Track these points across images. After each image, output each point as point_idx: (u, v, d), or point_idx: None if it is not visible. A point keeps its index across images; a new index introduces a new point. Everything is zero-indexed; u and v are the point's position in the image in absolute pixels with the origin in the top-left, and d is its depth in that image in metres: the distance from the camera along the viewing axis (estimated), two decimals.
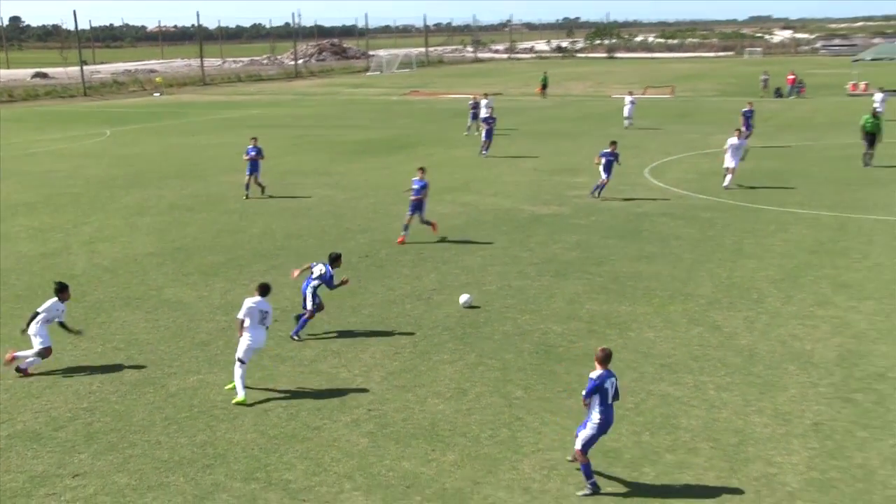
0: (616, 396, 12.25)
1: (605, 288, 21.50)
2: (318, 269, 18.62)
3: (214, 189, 35.49)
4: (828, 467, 12.83)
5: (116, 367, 17.07)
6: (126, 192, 35.26)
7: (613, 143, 32.51)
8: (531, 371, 16.57)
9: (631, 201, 31.64)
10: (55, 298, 17.04)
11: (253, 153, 32.74)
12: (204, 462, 13.30)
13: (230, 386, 15.73)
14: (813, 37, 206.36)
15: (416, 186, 26.20)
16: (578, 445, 12.16)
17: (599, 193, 32.14)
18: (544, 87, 78.65)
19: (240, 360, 15.56)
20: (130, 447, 13.80)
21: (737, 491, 12.27)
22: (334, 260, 18.95)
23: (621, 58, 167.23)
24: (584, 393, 12.13)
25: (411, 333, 18.68)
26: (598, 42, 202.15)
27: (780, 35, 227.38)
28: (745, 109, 45.13)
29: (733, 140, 33.27)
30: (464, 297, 20.40)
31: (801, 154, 42.29)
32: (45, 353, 16.82)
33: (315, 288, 18.54)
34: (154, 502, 12.21)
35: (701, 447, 13.50)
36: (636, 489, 12.40)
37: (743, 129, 38.09)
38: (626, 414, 14.57)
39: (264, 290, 16.00)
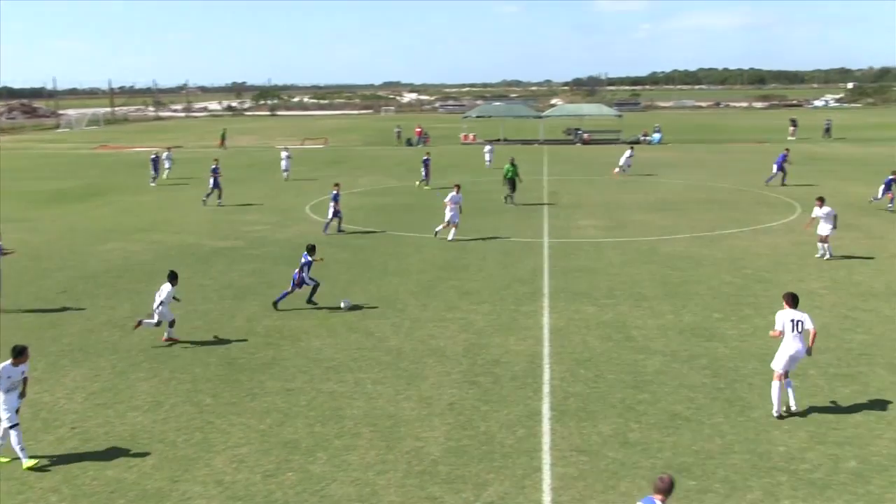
0: None
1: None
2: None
3: None
4: (461, 437, 13.45)
5: None
6: None
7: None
8: (218, 381, 16.14)
9: (297, 234, 31.67)
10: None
11: None
12: None
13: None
14: (433, 98, 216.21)
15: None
16: None
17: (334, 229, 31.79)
18: (223, 140, 77.04)
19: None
20: None
21: (393, 463, 12.57)
22: (310, 249, 21.24)
23: (282, 115, 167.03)
24: None
25: (110, 357, 17.64)
26: (262, 102, 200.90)
27: (409, 97, 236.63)
28: (424, 159, 46.60)
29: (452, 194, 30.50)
30: (344, 302, 21.13)
31: (430, 191, 44.13)
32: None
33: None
34: None
35: (363, 431, 13.71)
36: (308, 476, 12.38)
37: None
38: (300, 411, 14.55)
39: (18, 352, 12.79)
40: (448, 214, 29.99)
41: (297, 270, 21.22)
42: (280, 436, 13.53)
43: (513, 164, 39.72)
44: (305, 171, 53.81)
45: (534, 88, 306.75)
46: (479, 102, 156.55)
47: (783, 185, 44.29)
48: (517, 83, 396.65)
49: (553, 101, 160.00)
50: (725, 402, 14.73)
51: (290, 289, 21.19)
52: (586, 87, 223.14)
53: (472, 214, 35.77)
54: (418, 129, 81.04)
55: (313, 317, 20.33)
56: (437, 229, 30.07)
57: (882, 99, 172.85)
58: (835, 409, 14.43)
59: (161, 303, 18.33)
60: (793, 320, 14.08)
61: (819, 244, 26.22)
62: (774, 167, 45.57)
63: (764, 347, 17.57)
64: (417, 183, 46.09)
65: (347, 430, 13.80)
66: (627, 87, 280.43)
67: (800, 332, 14.02)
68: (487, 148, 58.03)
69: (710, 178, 48.77)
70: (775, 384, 14.10)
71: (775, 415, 14.04)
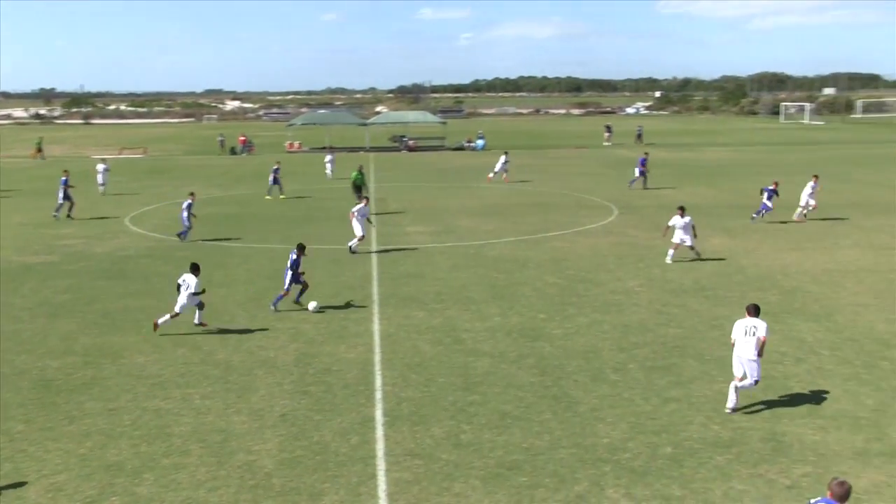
0: None
1: (97, 323, 20.42)
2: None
3: None
4: (294, 447, 13.29)
5: None
6: None
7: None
8: (31, 405, 15.23)
9: (117, 247, 30.38)
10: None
11: None
12: None
13: None
14: (257, 106, 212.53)
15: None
16: None
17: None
18: (39, 149, 72.66)
19: None
20: None
21: (225, 479, 12.27)
22: (301, 248, 21.91)
23: (97, 123, 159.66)
24: None
25: None
26: (74, 109, 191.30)
27: (231, 104, 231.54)
28: (274, 167, 45.12)
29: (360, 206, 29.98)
30: (312, 305, 21.38)
31: (255, 200, 43.40)
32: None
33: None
34: None
35: (192, 448, 13.31)
36: (134, 499, 11.90)
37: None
38: (124, 430, 13.97)
39: None
40: (356, 227, 29.19)
41: (288, 269, 21.48)
42: (103, 459, 12.94)
43: (360, 172, 39.67)
44: (124, 183, 51.68)
45: (359, 96, 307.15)
46: (303, 110, 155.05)
47: (645, 188, 46.21)
48: (342, 91, 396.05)
49: (378, 109, 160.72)
50: (553, 400, 15.23)
51: (284, 290, 21.49)
52: (411, 95, 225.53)
53: (302, 222, 35.48)
54: (242, 138, 79.43)
55: (137, 333, 19.56)
56: (350, 244, 29.07)
57: (685, 107, 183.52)
58: (652, 399, 15.19)
59: (192, 294, 19.32)
60: (746, 326, 14.65)
61: (670, 250, 26.76)
62: (636, 171, 47.36)
63: (587, 345, 18.33)
64: (268, 196, 44.64)
65: (175, 447, 13.36)
66: (451, 95, 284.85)
67: (752, 336, 14.53)
68: (328, 157, 55.47)
69: (532, 182, 50.32)
70: (732, 384, 14.64)
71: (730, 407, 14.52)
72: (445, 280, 24.69)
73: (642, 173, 46.87)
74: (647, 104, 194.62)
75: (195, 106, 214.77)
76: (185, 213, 31.46)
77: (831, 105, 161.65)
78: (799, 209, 34.41)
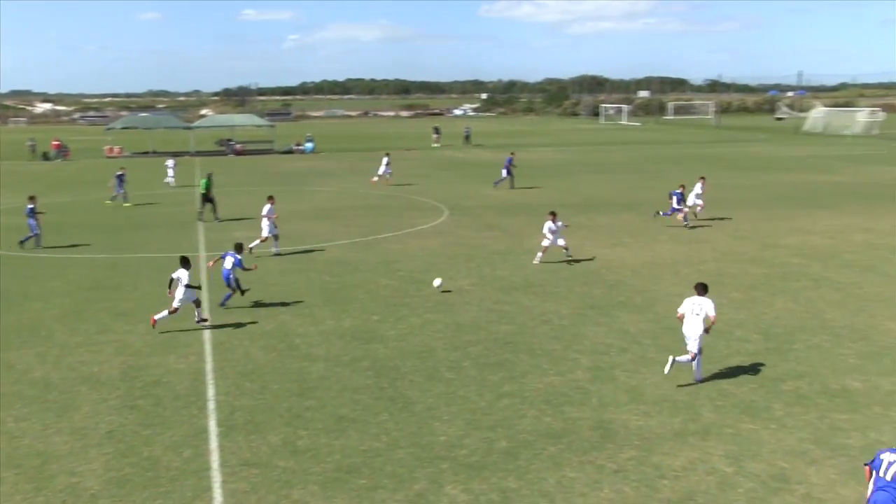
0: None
1: None
2: (229, 259, 20.97)
3: None
4: (122, 465, 12.78)
5: None
6: None
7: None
8: None
9: None
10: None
11: None
12: None
13: None
14: (71, 109, 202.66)
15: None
16: None
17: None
18: None
19: None
20: None
21: None
22: (238, 248, 21.93)
23: None
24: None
25: None
26: None
27: (42, 107, 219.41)
28: (119, 173, 43.05)
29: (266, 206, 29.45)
30: (437, 282, 22.71)
31: (74, 207, 41.41)
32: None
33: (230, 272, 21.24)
34: None
35: (5, 476, 12.51)
36: None
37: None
38: None
39: None
40: (265, 229, 29.12)
41: (227, 269, 21.32)
42: None
43: (209, 179, 37.97)
44: None
45: (182, 99, 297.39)
46: (123, 113, 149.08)
47: (511, 188, 46.98)
48: (164, 93, 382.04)
49: (203, 112, 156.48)
50: (389, 401, 15.31)
51: (230, 292, 21.66)
52: (237, 98, 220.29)
53: (123, 230, 34.13)
54: (56, 142, 75.56)
55: None
56: (251, 246, 28.36)
57: (511, 109, 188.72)
58: (487, 395, 15.54)
59: (187, 286, 19.48)
60: (693, 305, 15.92)
61: (539, 253, 26.89)
62: (503, 171, 47.95)
63: (421, 345, 18.53)
64: (108, 201, 42.49)
65: None
66: (279, 98, 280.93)
67: (698, 315, 15.79)
68: (170, 163, 52.47)
69: (363, 185, 50.37)
70: (686, 357, 15.91)
71: (672, 361, 15.72)
72: (277, 285, 24.36)
73: (509, 173, 47.69)
74: (474, 106, 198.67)
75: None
76: (31, 219, 29.95)
77: (646, 107, 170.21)
78: (686, 209, 34.00)
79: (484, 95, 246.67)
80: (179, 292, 19.56)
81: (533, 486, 11.99)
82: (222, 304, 21.58)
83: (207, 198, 37.20)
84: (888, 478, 9.48)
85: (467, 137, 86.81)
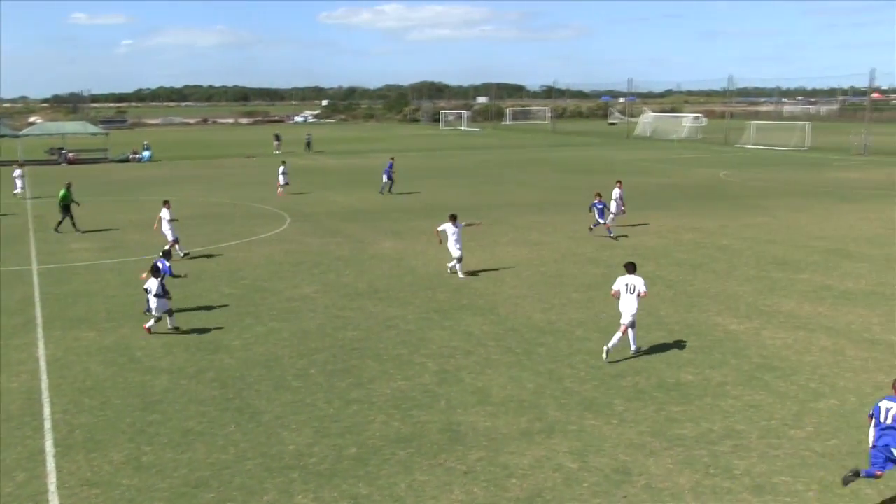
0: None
1: None
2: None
3: None
4: None
5: None
6: None
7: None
8: None
9: None
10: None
11: None
12: None
13: None
14: None
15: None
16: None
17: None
18: None
19: None
20: None
21: None
22: (166, 255, 21.29)
23: None
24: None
25: None
26: None
27: None
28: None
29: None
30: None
31: None
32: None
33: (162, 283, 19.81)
34: None
35: None
36: None
37: None
38: None
39: None
40: (169, 234, 29.37)
41: (159, 280, 20.01)
42: None
43: (68, 189, 35.70)
44: None
45: (8, 105, 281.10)
46: None
47: (390, 192, 46.98)
48: None
49: (32, 119, 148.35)
50: (236, 412, 15.02)
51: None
52: (68, 105, 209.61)
53: None
54: None
55: None
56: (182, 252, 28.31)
57: (352, 115, 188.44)
58: (335, 402, 15.47)
59: (155, 296, 19.19)
60: (626, 284, 17.49)
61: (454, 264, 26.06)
62: (384, 176, 47.66)
63: (267, 354, 18.26)
64: None
65: None
66: (113, 104, 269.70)
67: (632, 293, 17.39)
68: (17, 173, 49.14)
69: (203, 193, 49.13)
70: (617, 335, 17.56)
71: (607, 350, 17.50)
72: (117, 298, 23.44)
73: (390, 178, 47.62)
74: (314, 113, 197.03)
75: None
76: None
77: (485, 112, 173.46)
78: (611, 216, 33.03)
79: (324, 102, 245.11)
80: (152, 301, 19.59)
81: (384, 492, 12.03)
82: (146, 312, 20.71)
83: (67, 209, 35.29)
84: (889, 421, 11.21)
85: (308, 144, 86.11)
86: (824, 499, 11.75)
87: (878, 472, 11.31)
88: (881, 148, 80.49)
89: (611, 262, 27.68)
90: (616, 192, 33.83)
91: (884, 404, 11.37)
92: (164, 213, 29.42)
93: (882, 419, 11.26)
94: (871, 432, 11.45)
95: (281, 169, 49.09)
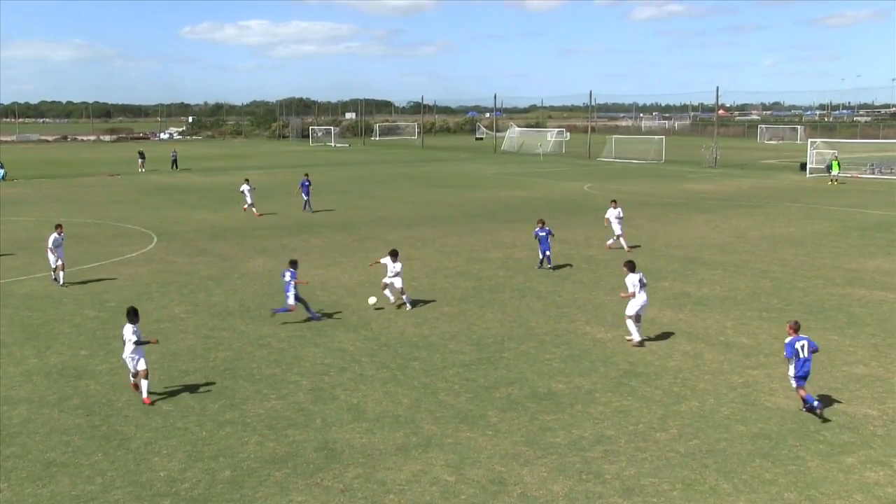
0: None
1: None
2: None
3: None
4: None
5: None
6: None
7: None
8: None
9: None
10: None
11: None
12: None
13: None
14: None
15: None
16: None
17: None
18: None
19: None
20: None
21: None
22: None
23: None
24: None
25: None
26: None
27: None
28: None
29: None
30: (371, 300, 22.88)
31: None
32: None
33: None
34: None
35: None
36: None
37: None
38: None
39: None
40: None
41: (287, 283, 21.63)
42: None
43: None
44: None
45: None
46: None
47: (311, 210, 45.67)
48: None
49: None
50: (103, 439, 14.38)
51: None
52: None
53: None
54: None
55: None
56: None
57: (219, 132, 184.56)
58: (207, 425, 15.01)
59: (134, 344, 16.22)
60: (639, 280, 19.74)
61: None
62: (303, 194, 46.20)
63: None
64: None
65: None
66: None
67: (643, 287, 19.78)
68: None
69: (64, 212, 47.04)
70: (630, 322, 19.80)
71: (637, 340, 19.69)
72: None
73: (307, 193, 46.29)
74: (179, 129, 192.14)
75: None
76: None
77: (354, 128, 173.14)
78: (618, 235, 33.05)
79: (190, 118, 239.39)
80: (128, 350, 16.34)
81: None
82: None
83: None
84: (805, 354, 14.94)
85: (174, 161, 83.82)
86: (688, 496, 12.16)
87: (804, 392, 15.03)
88: (728, 161, 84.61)
89: (480, 275, 27.99)
90: (615, 213, 33.11)
91: (797, 344, 14.90)
92: (51, 241, 27.21)
93: (802, 355, 14.89)
94: (791, 369, 15.03)
95: (245, 188, 45.97)
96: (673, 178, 67.77)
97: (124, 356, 16.56)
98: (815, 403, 14.80)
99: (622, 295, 20.51)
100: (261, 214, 44.40)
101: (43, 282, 27.54)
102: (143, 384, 16.27)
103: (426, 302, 24.34)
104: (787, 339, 15.16)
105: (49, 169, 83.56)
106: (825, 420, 14.85)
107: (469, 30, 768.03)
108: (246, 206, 45.57)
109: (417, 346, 19.92)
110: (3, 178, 71.42)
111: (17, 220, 43.89)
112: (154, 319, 22.38)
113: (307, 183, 46.90)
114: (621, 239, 33.15)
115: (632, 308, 19.84)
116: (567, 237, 36.15)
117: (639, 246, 33.30)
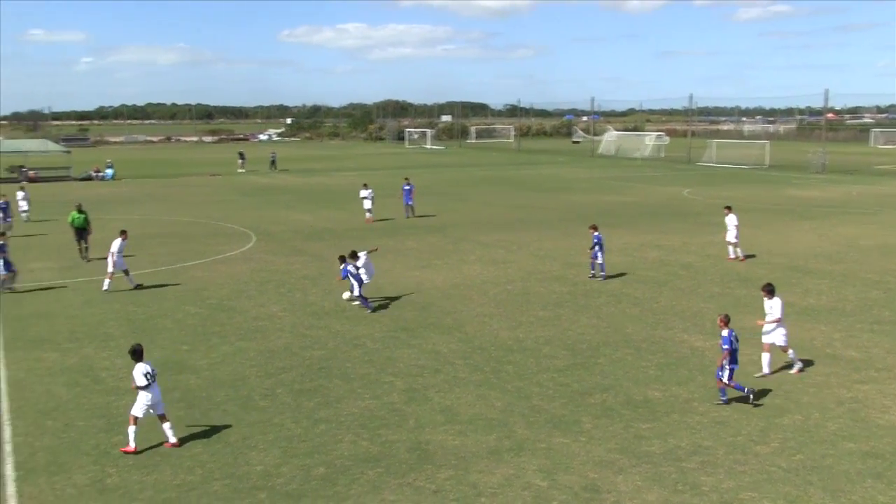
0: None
1: None
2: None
3: None
4: None
5: None
6: None
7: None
8: None
9: None
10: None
11: None
12: None
13: None
14: None
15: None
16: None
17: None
18: None
19: None
20: None
21: None
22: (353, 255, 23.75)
23: None
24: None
25: None
26: None
27: None
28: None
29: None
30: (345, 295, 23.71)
31: None
32: None
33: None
34: None
35: None
36: None
37: None
38: None
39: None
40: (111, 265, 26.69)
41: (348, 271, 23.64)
42: None
43: (80, 211, 33.52)
44: None
45: None
46: None
47: (413, 216, 45.04)
48: None
49: None
50: (203, 432, 14.83)
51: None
52: (28, 122, 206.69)
53: None
54: None
55: None
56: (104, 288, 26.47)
57: (316, 133, 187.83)
58: (302, 422, 15.34)
59: (141, 389, 14.33)
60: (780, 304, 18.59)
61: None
62: (406, 199, 45.01)
63: (234, 374, 18.09)
64: None
65: None
66: (74, 122, 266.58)
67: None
68: (20, 194, 46.04)
69: (166, 211, 48.70)
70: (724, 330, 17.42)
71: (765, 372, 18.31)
72: (79, 317, 23.11)
73: (409, 199, 45.08)
74: (278, 131, 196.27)
75: None
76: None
77: (449, 131, 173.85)
78: (733, 244, 32.05)
79: (289, 120, 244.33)
80: (141, 400, 14.44)
81: None
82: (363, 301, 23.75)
83: (81, 233, 33.19)
84: (737, 345, 16.08)
85: (273, 162, 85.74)
86: None
87: (733, 384, 16.00)
88: (837, 166, 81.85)
89: (576, 280, 27.80)
90: (734, 220, 31.74)
91: (725, 333, 15.97)
92: (115, 245, 26.92)
93: (734, 346, 15.96)
94: (727, 360, 15.92)
95: (365, 193, 44.30)
96: (777, 184, 65.99)
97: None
98: (746, 391, 15.98)
99: (758, 322, 18.68)
100: (373, 220, 43.26)
101: (147, 278, 28.50)
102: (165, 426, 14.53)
103: (520, 305, 24.32)
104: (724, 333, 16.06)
105: (154, 169, 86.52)
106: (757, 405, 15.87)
107: (565, 32, 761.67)
108: (368, 216, 43.50)
109: (511, 349, 19.93)
110: (112, 177, 74.31)
111: (124, 218, 45.55)
112: (252, 317, 22.98)
113: (409, 187, 45.40)
114: (737, 248, 31.90)
115: (774, 337, 18.27)
116: (664, 243, 35.61)
117: (754, 256, 32.44)
